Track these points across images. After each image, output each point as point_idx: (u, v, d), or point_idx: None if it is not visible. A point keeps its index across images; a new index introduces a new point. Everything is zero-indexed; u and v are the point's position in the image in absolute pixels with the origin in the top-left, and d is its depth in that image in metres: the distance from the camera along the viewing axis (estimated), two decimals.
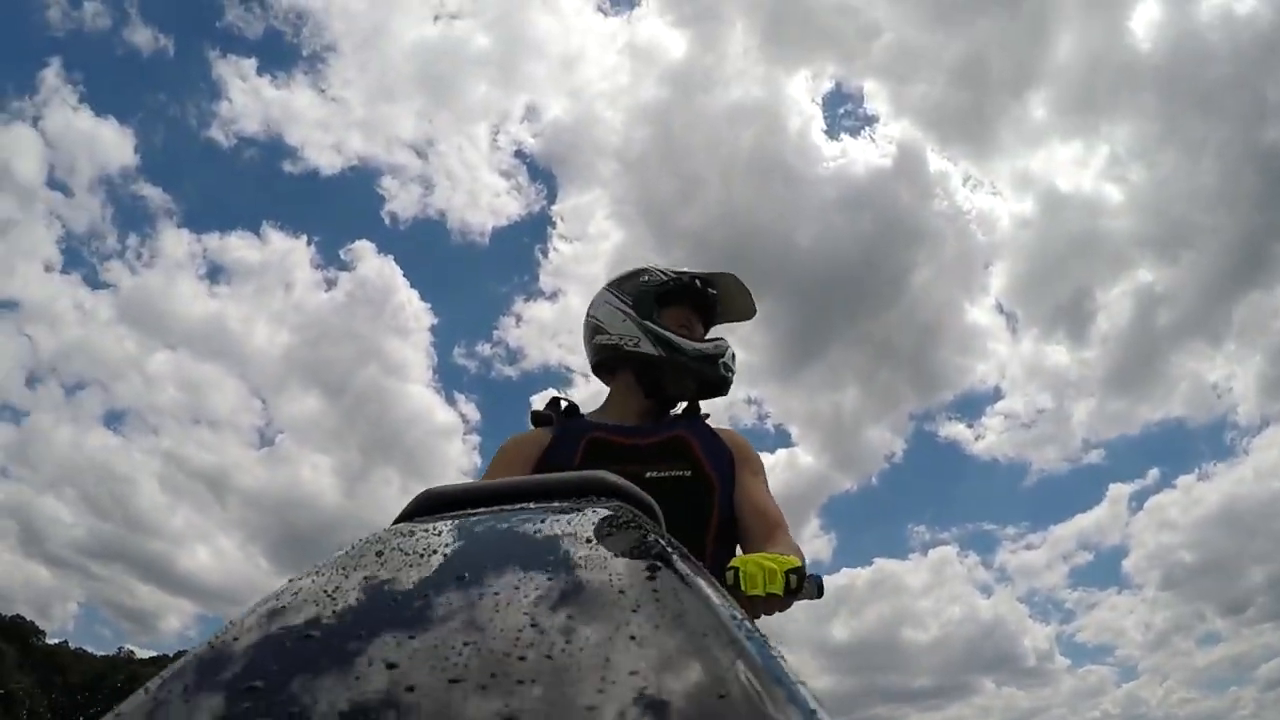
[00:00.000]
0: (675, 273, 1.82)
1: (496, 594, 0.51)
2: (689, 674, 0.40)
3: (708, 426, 1.74)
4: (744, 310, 1.88)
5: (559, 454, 1.62)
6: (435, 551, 0.63)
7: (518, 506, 0.76)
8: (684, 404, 1.82)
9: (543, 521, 0.70)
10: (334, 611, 0.51)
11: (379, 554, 0.63)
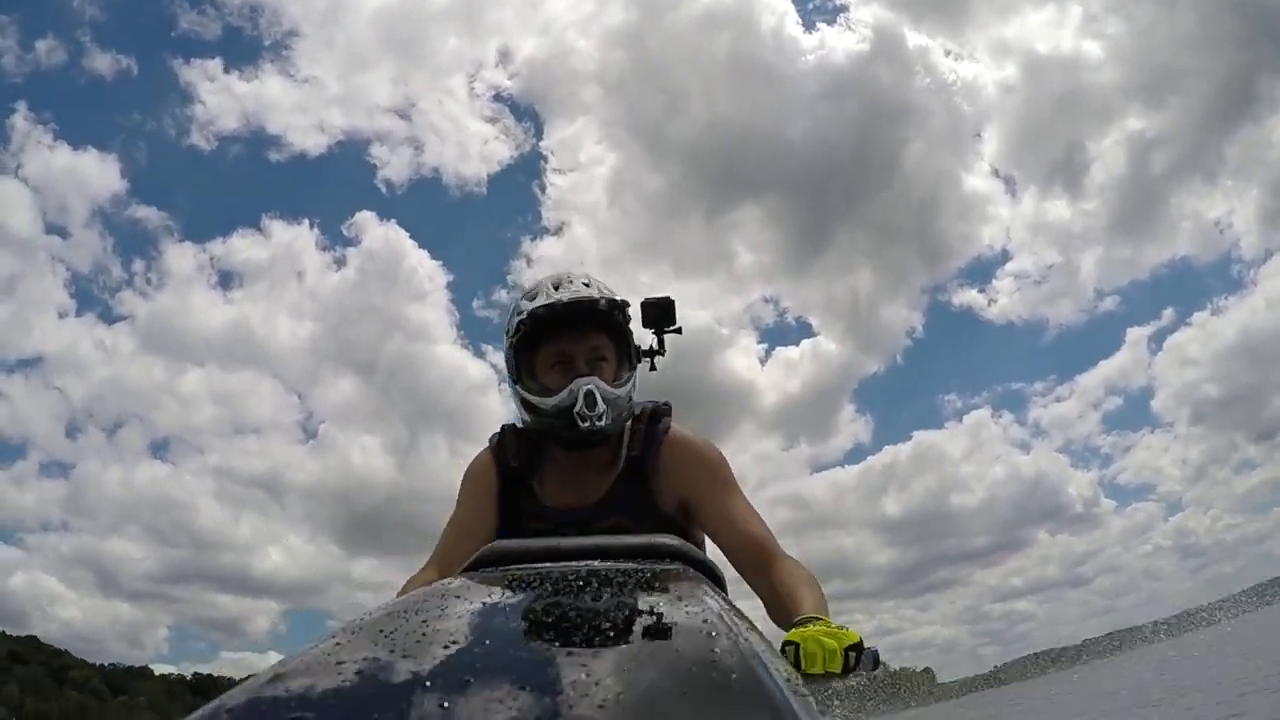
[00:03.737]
0: (530, 309, 1.52)
1: (554, 648, 0.55)
2: None
3: (647, 485, 1.54)
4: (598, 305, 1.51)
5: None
6: (497, 604, 0.68)
7: (582, 564, 0.80)
8: (639, 419, 1.59)
9: (605, 580, 0.74)
10: (391, 658, 0.52)
11: (440, 603, 0.66)
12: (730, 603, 0.74)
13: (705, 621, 0.61)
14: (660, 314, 1.71)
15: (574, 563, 0.81)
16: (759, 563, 1.41)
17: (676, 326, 1.72)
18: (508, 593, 0.71)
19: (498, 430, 1.68)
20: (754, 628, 0.67)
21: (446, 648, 0.54)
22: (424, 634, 0.57)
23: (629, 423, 1.60)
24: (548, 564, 0.82)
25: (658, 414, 1.61)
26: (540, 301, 1.52)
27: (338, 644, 0.55)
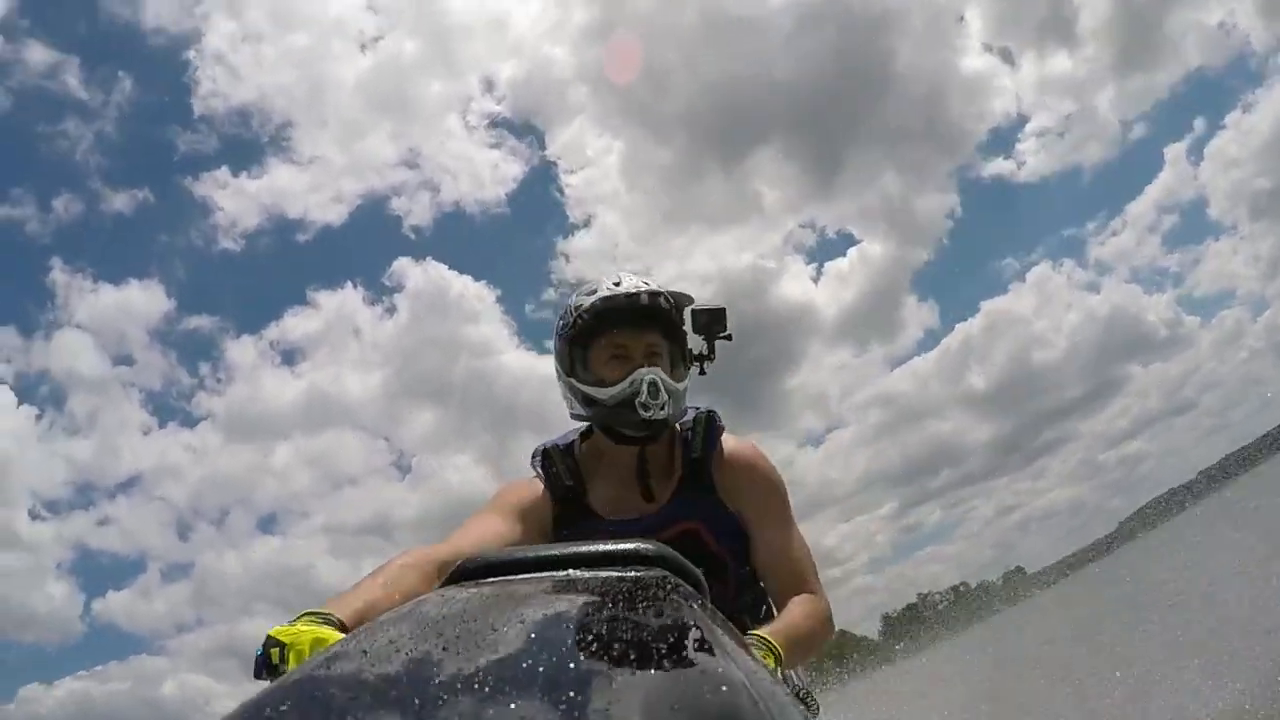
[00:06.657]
0: (590, 302, 1.55)
1: (536, 661, 0.53)
2: None
3: (711, 487, 1.57)
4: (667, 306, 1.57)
5: None
6: (479, 618, 0.65)
7: (563, 574, 0.78)
8: (691, 426, 1.61)
9: (586, 590, 0.73)
10: (375, 677, 0.52)
11: (421, 619, 0.65)
12: (712, 609, 0.72)
13: (686, 632, 0.59)
14: (711, 320, 1.71)
15: (553, 572, 0.78)
16: (788, 594, 1.49)
17: (727, 333, 1.71)
18: (482, 610, 0.68)
19: (537, 454, 1.65)
20: (734, 633, 0.67)
21: (416, 673, 0.53)
22: (396, 657, 0.56)
23: (680, 430, 1.63)
24: (525, 575, 0.79)
25: (711, 418, 1.64)
26: (601, 294, 1.54)
27: (318, 671, 0.54)
